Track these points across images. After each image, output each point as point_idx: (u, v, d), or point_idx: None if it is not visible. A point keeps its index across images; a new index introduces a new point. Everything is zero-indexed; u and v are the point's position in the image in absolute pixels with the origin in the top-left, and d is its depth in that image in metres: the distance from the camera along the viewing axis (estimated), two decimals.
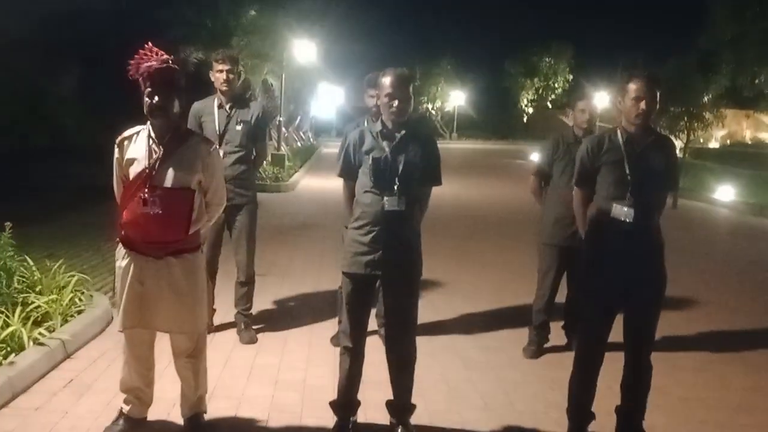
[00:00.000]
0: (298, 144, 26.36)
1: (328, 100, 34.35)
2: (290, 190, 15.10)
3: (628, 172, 3.33)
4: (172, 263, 3.15)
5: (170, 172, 3.11)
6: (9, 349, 4.01)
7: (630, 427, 3.54)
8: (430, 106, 47.76)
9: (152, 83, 3.05)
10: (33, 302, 4.56)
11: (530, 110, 50.00)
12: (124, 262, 3.19)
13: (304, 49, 18.68)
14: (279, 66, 18.51)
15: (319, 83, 28.83)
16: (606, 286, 3.39)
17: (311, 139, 32.05)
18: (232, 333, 4.96)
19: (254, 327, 5.02)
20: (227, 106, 4.81)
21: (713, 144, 33.03)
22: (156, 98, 3.06)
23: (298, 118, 28.52)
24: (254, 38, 17.81)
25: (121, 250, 3.22)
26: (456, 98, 47.54)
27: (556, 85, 49.29)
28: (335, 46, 22.44)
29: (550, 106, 48.12)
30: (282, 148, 18.74)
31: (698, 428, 3.87)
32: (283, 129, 20.50)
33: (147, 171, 3.09)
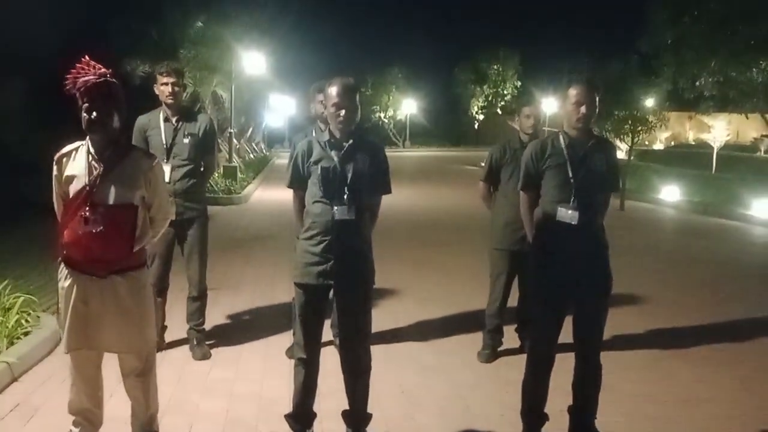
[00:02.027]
0: (251, 156, 26.19)
1: (280, 111, 34.20)
2: (243, 202, 14.94)
3: (571, 175, 3.41)
4: (116, 282, 3.07)
5: (111, 189, 3.03)
6: None
7: (583, 426, 3.61)
8: (382, 115, 47.94)
9: (90, 98, 2.96)
10: None
11: (481, 117, 50.66)
12: (66, 282, 3.10)
13: (253, 60, 18.57)
14: (228, 77, 18.34)
15: (270, 94, 28.66)
16: (554, 287, 3.45)
17: (264, 150, 31.85)
18: (184, 349, 4.88)
19: (207, 342, 4.95)
20: (174, 119, 4.73)
21: (658, 146, 34.00)
22: (94, 113, 2.97)
23: (250, 129, 28.31)
24: (202, 50, 17.60)
25: (63, 269, 3.13)
26: (408, 106, 47.86)
27: (505, 92, 50.08)
28: (285, 57, 22.38)
29: (500, 113, 48.82)
30: (234, 160, 18.56)
31: (649, 423, 3.96)
32: (235, 141, 20.31)
33: (87, 188, 3.01)
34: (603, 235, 3.50)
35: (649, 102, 17.38)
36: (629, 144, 15.53)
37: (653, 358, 5.09)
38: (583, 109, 3.36)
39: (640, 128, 15.21)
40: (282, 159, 29.29)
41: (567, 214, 3.38)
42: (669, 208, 15.34)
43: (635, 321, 5.93)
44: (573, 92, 3.38)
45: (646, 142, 26.94)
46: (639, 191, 16.48)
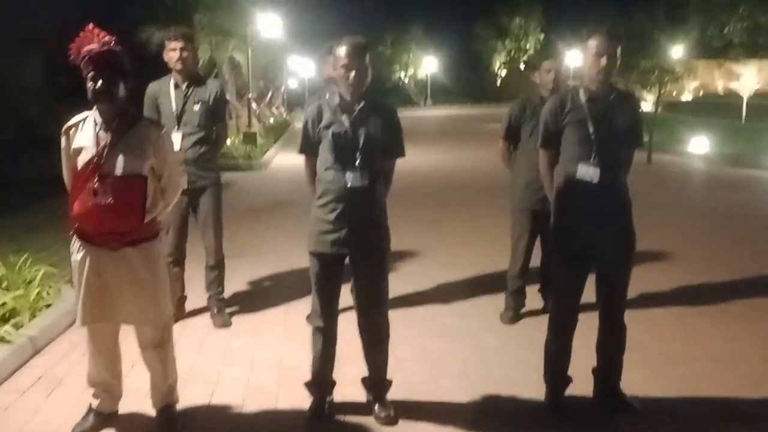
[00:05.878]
0: (271, 120, 26.11)
1: (299, 74, 34.01)
2: (263, 168, 14.90)
3: (591, 131, 3.26)
4: (129, 253, 3.04)
5: (120, 159, 2.97)
6: None
7: (607, 388, 3.54)
8: (402, 75, 47.43)
9: (94, 67, 2.90)
10: None
11: (503, 73, 49.87)
12: (79, 255, 3.08)
13: (268, 22, 18.32)
14: (244, 41, 18.14)
15: (288, 57, 28.45)
16: (575, 247, 3.35)
17: (284, 115, 31.75)
18: (205, 318, 4.87)
19: (228, 310, 4.95)
20: (183, 86, 4.64)
21: (686, 96, 33.15)
22: (99, 82, 2.91)
23: (269, 93, 28.19)
24: (216, 14, 17.40)
25: (75, 242, 3.11)
26: (428, 65, 47.25)
27: (527, 46, 49.15)
28: (301, 18, 22.09)
29: (522, 68, 47.97)
30: (253, 125, 18.48)
31: (677, 383, 3.87)
32: (254, 105, 20.21)
33: (95, 159, 2.96)
34: (626, 193, 3.36)
35: (676, 51, 16.89)
36: (656, 95, 15.15)
37: (681, 315, 4.98)
38: (603, 61, 3.20)
39: (666, 79, 14.82)
40: (301, 123, 29.15)
41: (588, 172, 3.25)
42: (698, 160, 15.00)
43: (663, 278, 5.79)
44: (593, 43, 3.21)
45: (674, 93, 26.28)
46: (666, 143, 16.14)
